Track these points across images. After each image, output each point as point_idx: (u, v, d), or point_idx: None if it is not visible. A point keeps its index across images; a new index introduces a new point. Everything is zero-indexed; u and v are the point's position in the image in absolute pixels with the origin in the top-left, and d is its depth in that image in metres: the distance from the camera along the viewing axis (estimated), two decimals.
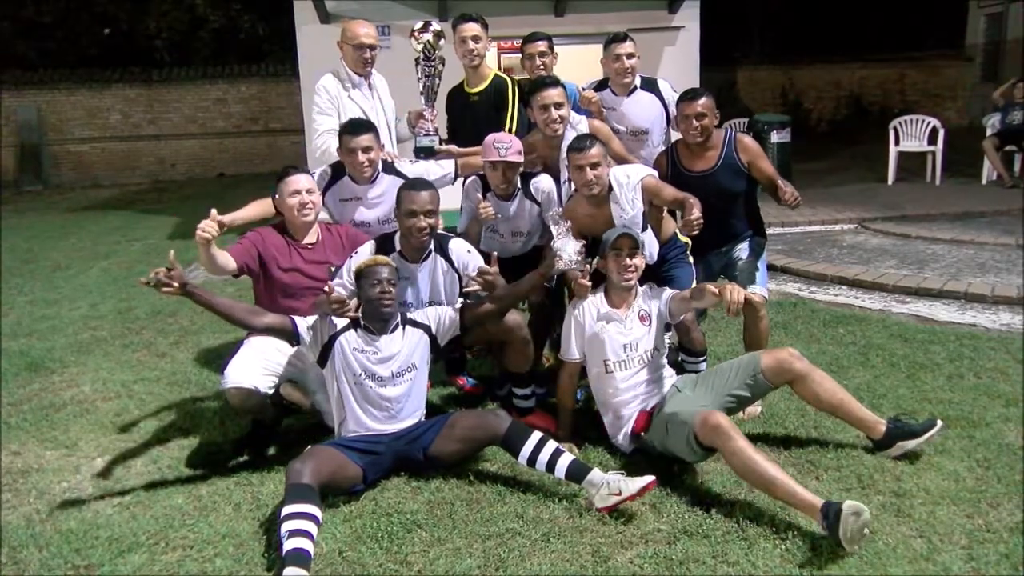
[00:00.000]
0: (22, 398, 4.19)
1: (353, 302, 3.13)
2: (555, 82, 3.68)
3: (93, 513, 2.97)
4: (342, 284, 3.25)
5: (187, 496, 3.05)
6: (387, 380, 3.07)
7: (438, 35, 4.00)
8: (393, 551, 2.61)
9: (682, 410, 2.94)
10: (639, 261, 3.22)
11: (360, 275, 3.07)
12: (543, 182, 3.77)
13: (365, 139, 3.54)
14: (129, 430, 3.71)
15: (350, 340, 3.08)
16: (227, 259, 3.30)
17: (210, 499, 3.02)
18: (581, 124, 3.80)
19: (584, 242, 3.13)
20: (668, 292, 3.29)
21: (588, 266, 3.22)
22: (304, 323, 3.09)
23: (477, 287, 3.20)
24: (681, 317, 3.32)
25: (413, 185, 3.32)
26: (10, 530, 2.87)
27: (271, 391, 3.28)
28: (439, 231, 3.46)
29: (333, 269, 3.39)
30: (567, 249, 3.10)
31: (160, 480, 3.20)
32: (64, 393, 4.22)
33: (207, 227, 3.17)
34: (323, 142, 3.87)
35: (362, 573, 2.50)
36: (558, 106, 3.62)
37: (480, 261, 3.39)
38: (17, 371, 4.58)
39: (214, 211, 3.21)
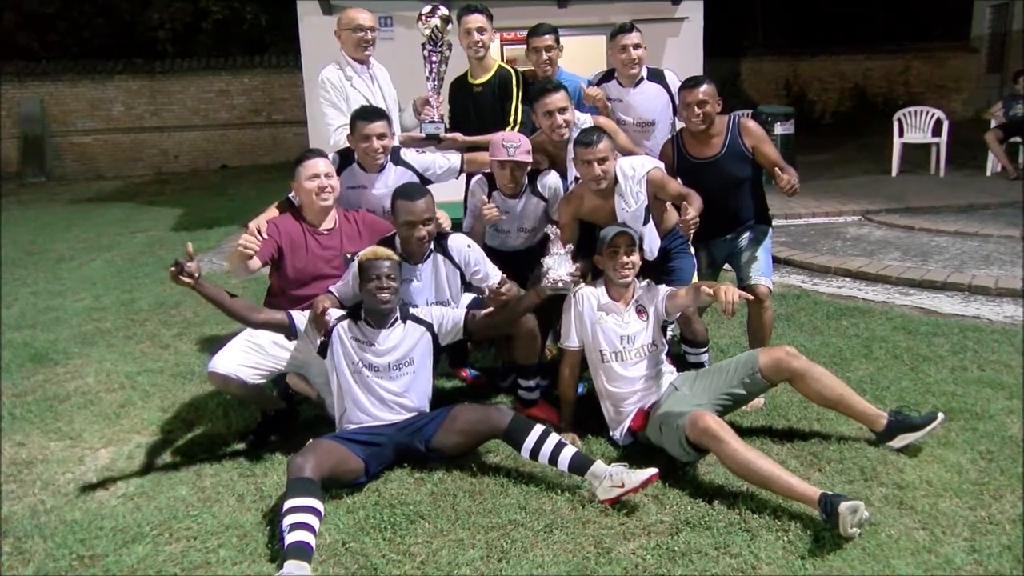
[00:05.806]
0: (26, 389, 4.20)
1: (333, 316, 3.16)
2: (557, 87, 3.66)
3: (97, 504, 2.98)
4: (346, 283, 3.25)
5: (191, 487, 3.06)
6: (383, 372, 3.08)
7: (446, 19, 3.92)
8: (396, 542, 2.62)
9: (674, 411, 2.94)
10: (636, 258, 3.21)
11: (361, 268, 3.07)
12: (550, 179, 3.77)
13: (379, 125, 3.52)
14: (133, 421, 3.73)
15: (347, 330, 3.10)
16: (255, 261, 3.30)
17: (214, 490, 3.03)
18: (586, 123, 3.78)
19: (578, 265, 3.08)
20: (664, 290, 3.28)
21: (581, 283, 3.19)
22: (301, 317, 3.10)
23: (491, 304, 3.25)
24: (677, 314, 3.32)
25: (407, 194, 3.24)
26: (15, 520, 2.89)
27: (258, 381, 3.27)
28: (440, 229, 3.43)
29: (348, 256, 3.37)
30: (559, 271, 3.04)
31: (164, 471, 3.22)
32: (68, 384, 4.24)
33: (250, 243, 3.17)
34: (341, 136, 3.75)
35: (365, 564, 2.51)
36: (562, 111, 3.60)
37: (480, 254, 3.42)
38: (21, 362, 4.60)
39: (252, 224, 3.20)
